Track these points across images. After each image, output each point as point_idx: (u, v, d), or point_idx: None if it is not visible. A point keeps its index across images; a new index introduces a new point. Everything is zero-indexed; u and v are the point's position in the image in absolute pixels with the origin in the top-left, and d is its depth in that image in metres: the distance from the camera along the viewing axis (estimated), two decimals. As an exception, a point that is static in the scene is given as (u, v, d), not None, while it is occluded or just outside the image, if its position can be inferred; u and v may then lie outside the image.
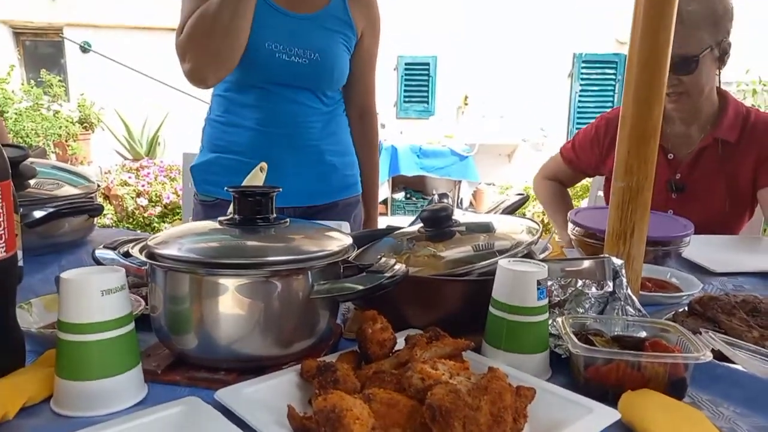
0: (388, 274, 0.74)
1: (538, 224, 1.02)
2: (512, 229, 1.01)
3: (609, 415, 0.64)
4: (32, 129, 5.94)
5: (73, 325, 0.66)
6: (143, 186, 5.06)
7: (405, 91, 8.11)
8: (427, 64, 8.02)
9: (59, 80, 7.02)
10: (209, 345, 0.73)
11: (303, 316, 0.76)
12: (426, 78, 8.08)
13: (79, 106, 7.02)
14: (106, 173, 5.45)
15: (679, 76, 1.49)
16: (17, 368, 0.72)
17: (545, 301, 0.77)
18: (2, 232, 0.68)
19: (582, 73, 8.04)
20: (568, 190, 1.99)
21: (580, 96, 8.12)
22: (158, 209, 5.00)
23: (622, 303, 0.86)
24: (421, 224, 1.03)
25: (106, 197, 4.96)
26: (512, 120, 8.03)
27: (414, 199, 7.51)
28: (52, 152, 6.21)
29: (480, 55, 7.87)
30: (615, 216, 0.91)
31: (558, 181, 1.93)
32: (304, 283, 0.74)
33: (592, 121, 1.84)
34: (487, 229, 1.02)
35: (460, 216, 1.06)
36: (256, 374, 0.73)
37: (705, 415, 0.68)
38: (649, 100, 0.86)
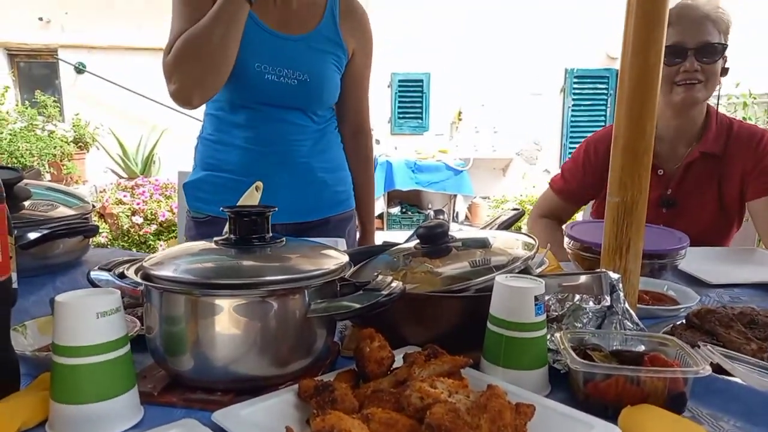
0: (385, 292, 0.74)
1: (534, 239, 1.02)
2: (508, 244, 1.01)
3: (609, 430, 0.63)
4: (27, 149, 5.93)
5: (67, 348, 0.65)
6: (138, 204, 5.04)
7: (399, 107, 8.16)
8: (421, 80, 8.09)
9: (54, 101, 7.04)
10: (206, 366, 0.73)
11: (300, 336, 0.75)
12: (420, 94, 8.14)
13: (73, 125, 7.03)
14: (101, 192, 5.43)
15: (702, 62, 1.51)
16: (12, 392, 0.71)
17: (543, 317, 0.77)
18: (-3, 255, 0.67)
19: (574, 88, 8.12)
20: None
21: (573, 110, 8.19)
22: (154, 227, 4.98)
23: (620, 317, 0.86)
24: (418, 240, 1.03)
25: (101, 216, 4.94)
26: (506, 134, 8.09)
27: (410, 213, 7.52)
28: (47, 172, 6.20)
29: (473, 70, 7.94)
30: (610, 231, 0.92)
31: (553, 217, 1.87)
32: (301, 303, 0.74)
33: (578, 146, 1.86)
34: (483, 244, 1.02)
35: (456, 232, 1.06)
36: (253, 394, 0.72)
37: (705, 429, 0.68)
38: (642, 117, 0.87)
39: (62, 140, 6.57)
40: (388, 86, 8.09)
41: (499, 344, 0.77)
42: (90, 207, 1.36)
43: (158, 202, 5.08)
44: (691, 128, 1.66)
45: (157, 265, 0.75)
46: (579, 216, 2.28)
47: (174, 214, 4.80)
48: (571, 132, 8.11)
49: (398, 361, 0.76)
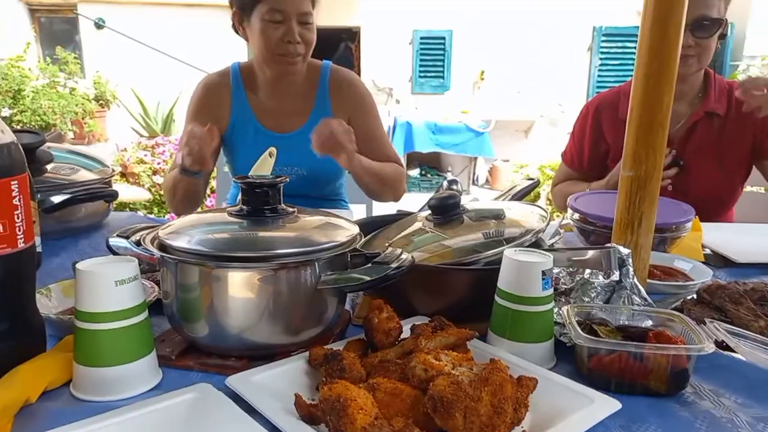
0: (394, 265, 0.75)
1: (546, 211, 1.02)
2: (522, 216, 1.01)
3: (610, 405, 0.65)
4: (49, 107, 5.99)
5: (88, 314, 0.68)
6: (159, 164, 5.10)
7: (420, 65, 8.01)
8: (443, 38, 7.90)
9: (75, 57, 7.05)
10: (219, 333, 0.75)
11: (311, 306, 0.77)
12: (441, 52, 7.97)
13: (94, 83, 7.06)
14: (122, 151, 5.50)
15: (698, 37, 1.48)
16: (38, 353, 0.75)
17: (550, 291, 0.78)
18: (21, 223, 0.70)
19: (602, 47, 7.86)
20: None
21: (599, 70, 7.96)
22: (174, 187, 5.04)
23: (628, 292, 0.86)
24: (430, 211, 1.03)
25: (123, 175, 5.01)
26: (529, 95, 7.91)
27: (429, 176, 7.48)
28: (70, 130, 6.27)
29: (496, 28, 7.73)
30: (622, 205, 0.91)
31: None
32: (312, 275, 0.75)
33: (580, 112, 1.83)
34: (497, 216, 1.02)
35: (469, 203, 1.06)
36: (266, 361, 0.75)
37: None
38: (659, 90, 0.85)
39: (84, 98, 6.62)
40: (410, 43, 7.94)
41: (506, 317, 0.78)
42: (110, 171, 1.39)
43: (173, 160, 5.12)
44: (690, 91, 1.65)
45: (172, 234, 0.77)
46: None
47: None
48: (598, 92, 7.91)
49: (406, 332, 0.78)
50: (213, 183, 2.52)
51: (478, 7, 7.65)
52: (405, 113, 7.22)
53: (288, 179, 0.84)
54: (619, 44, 7.84)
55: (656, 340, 0.74)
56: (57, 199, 1.18)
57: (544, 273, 0.77)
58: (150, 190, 4.91)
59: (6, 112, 5.49)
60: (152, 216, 2.55)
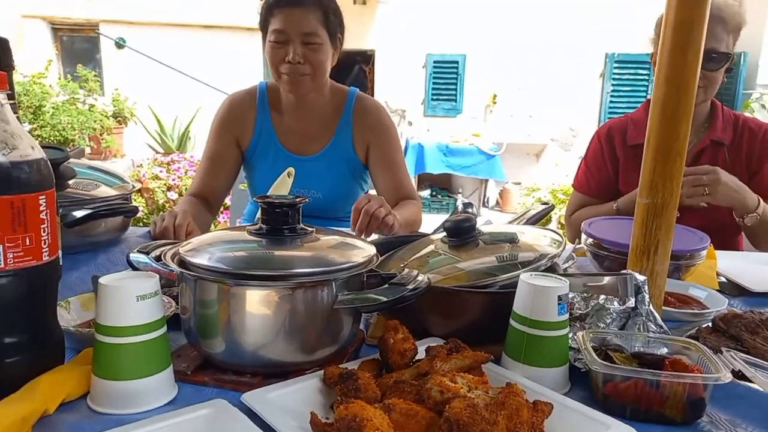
0: (410, 287, 0.76)
1: (561, 236, 1.02)
2: (536, 240, 1.02)
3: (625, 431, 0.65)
4: (68, 123, 6.10)
5: (109, 327, 0.69)
6: (174, 180, 5.16)
7: (433, 88, 8.09)
8: (456, 62, 7.98)
9: (94, 75, 7.19)
10: (236, 350, 0.76)
11: (327, 325, 0.78)
12: (455, 76, 8.05)
13: (113, 100, 7.18)
14: (138, 167, 5.57)
15: (705, 69, 1.50)
16: (57, 365, 0.76)
17: (566, 316, 0.78)
18: (46, 237, 0.72)
19: (614, 73, 7.91)
20: None
21: (611, 96, 7.99)
22: (188, 203, 5.09)
23: (644, 319, 0.86)
24: (444, 233, 1.04)
25: (138, 191, 5.08)
26: (541, 119, 7.94)
27: (440, 197, 7.50)
28: (87, 145, 6.37)
29: (509, 53, 7.80)
30: (639, 232, 0.91)
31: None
32: (329, 294, 0.76)
33: (591, 139, 1.85)
34: (511, 239, 1.03)
35: (483, 226, 1.07)
36: (281, 378, 0.75)
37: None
38: (676, 119, 0.86)
39: (102, 114, 6.73)
40: (423, 67, 8.02)
41: (521, 341, 0.78)
42: (130, 187, 1.42)
43: (192, 179, 5.19)
44: (697, 118, 1.67)
45: (192, 251, 0.79)
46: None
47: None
48: (609, 117, 7.91)
49: (421, 353, 0.78)
50: (227, 200, 2.55)
51: (492, 32, 7.74)
52: (417, 135, 7.28)
53: (307, 199, 0.86)
54: (631, 71, 7.88)
55: (672, 368, 0.73)
56: (79, 214, 1.20)
57: (560, 298, 0.77)
58: (164, 206, 4.97)
59: (27, 127, 5.60)
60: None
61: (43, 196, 0.71)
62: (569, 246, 1.09)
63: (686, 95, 0.87)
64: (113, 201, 1.32)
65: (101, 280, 0.71)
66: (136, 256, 0.86)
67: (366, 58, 8.41)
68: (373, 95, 5.20)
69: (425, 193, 7.45)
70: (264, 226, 0.82)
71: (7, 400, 0.68)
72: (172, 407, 0.71)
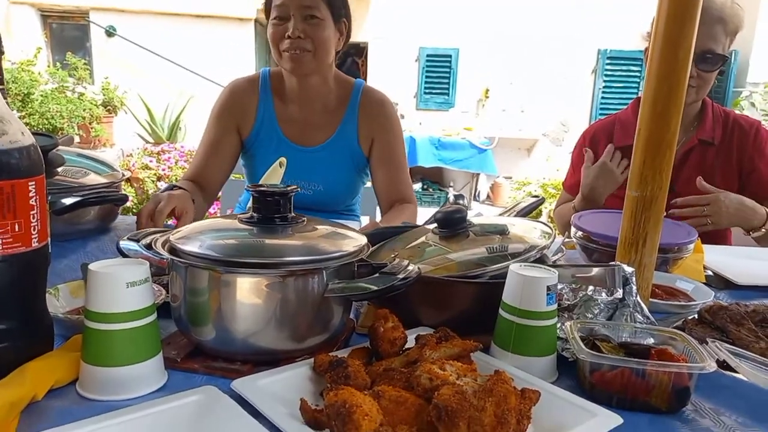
0: (401, 276, 0.76)
1: (551, 228, 1.03)
2: (526, 232, 1.02)
3: (611, 419, 0.66)
4: (57, 111, 6.04)
5: (99, 314, 0.69)
6: (164, 170, 5.13)
7: (426, 82, 8.09)
8: (449, 56, 7.98)
9: (84, 63, 7.13)
10: (226, 338, 0.76)
11: (317, 313, 0.78)
12: (447, 70, 8.05)
13: (102, 89, 7.12)
14: (128, 156, 5.53)
15: (701, 70, 1.51)
16: (46, 351, 0.76)
17: (554, 306, 0.79)
18: (36, 223, 0.71)
19: (606, 70, 7.94)
20: None
21: (603, 92, 8.03)
22: (178, 194, 5.07)
23: (631, 310, 0.87)
24: (436, 224, 1.04)
25: (128, 180, 5.04)
26: (533, 114, 7.98)
27: (431, 190, 7.52)
28: (76, 134, 6.32)
29: (503, 48, 7.81)
30: (627, 225, 0.92)
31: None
32: (319, 283, 0.76)
33: (578, 140, 1.86)
34: (501, 231, 1.03)
35: (474, 217, 1.07)
36: (271, 366, 0.76)
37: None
38: (667, 113, 0.87)
39: (92, 103, 6.67)
40: (416, 60, 8.01)
41: (510, 331, 0.79)
42: (120, 175, 1.41)
43: (183, 169, 5.16)
44: (687, 117, 1.68)
45: (182, 239, 0.79)
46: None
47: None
48: (601, 114, 7.96)
49: (410, 342, 0.79)
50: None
51: (485, 26, 7.74)
52: (409, 128, 7.28)
53: (299, 189, 0.86)
54: (623, 67, 7.92)
55: (659, 357, 0.74)
56: (68, 201, 1.19)
57: (549, 288, 0.78)
58: (154, 197, 4.93)
59: (15, 115, 5.54)
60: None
61: (33, 183, 0.70)
62: (558, 239, 1.10)
63: (677, 89, 0.88)
64: (102, 189, 1.31)
65: (91, 266, 0.70)
66: (126, 244, 0.86)
67: (359, 50, 8.38)
68: (365, 87, 5.19)
69: (416, 186, 7.47)
70: (255, 214, 0.82)
71: (-5, 386, 0.67)
72: (161, 394, 0.71)
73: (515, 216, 1.20)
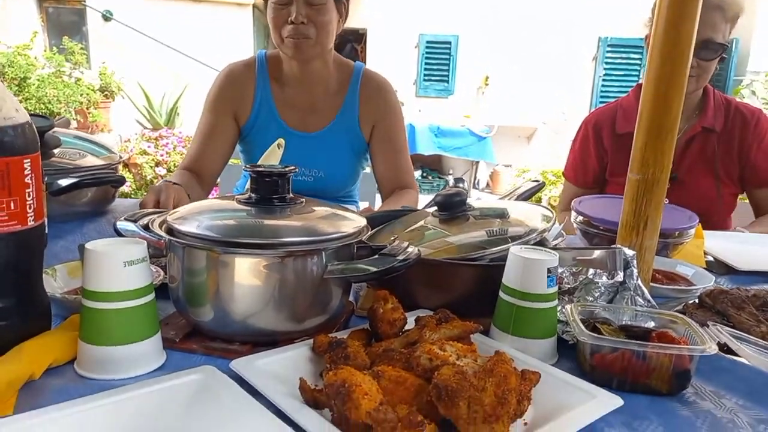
0: (400, 257, 0.76)
1: (551, 211, 1.02)
2: (526, 215, 1.01)
3: (612, 401, 0.65)
4: (54, 96, 5.99)
5: (96, 293, 0.68)
6: (162, 155, 5.11)
7: (425, 69, 8.04)
8: (449, 42, 7.93)
9: (81, 48, 7.05)
10: (224, 319, 0.76)
11: (316, 295, 0.78)
12: (447, 57, 8.00)
13: (100, 74, 7.06)
14: (125, 142, 5.51)
15: (699, 58, 1.50)
16: (44, 331, 0.75)
17: (555, 289, 0.79)
18: (32, 201, 0.70)
19: (607, 57, 7.91)
20: None
21: (603, 80, 8.00)
22: (176, 180, 5.05)
23: (632, 293, 0.87)
24: (436, 207, 1.04)
25: (126, 165, 5.02)
26: (533, 102, 7.94)
27: (430, 178, 7.51)
28: (73, 119, 6.27)
29: (503, 35, 7.76)
30: (629, 208, 0.92)
31: None
32: (318, 264, 0.76)
33: (579, 129, 1.85)
34: (501, 214, 1.03)
35: (474, 201, 1.06)
36: (269, 347, 0.75)
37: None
38: (669, 95, 0.86)
39: (89, 88, 6.61)
40: (415, 47, 7.96)
41: (510, 313, 0.79)
42: (117, 158, 1.40)
43: (181, 154, 5.14)
44: (688, 105, 1.67)
45: (180, 219, 0.78)
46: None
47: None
48: (601, 101, 7.93)
49: (410, 324, 0.78)
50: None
51: (485, 13, 7.69)
52: (408, 116, 7.23)
53: (296, 169, 0.84)
54: (624, 55, 7.88)
55: (659, 340, 0.74)
56: (64, 182, 1.19)
57: (549, 270, 0.77)
58: (152, 181, 4.92)
59: (10, 93, 5.51)
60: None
61: (28, 160, 0.69)
62: (557, 226, 1.10)
63: (679, 70, 0.86)
64: (99, 170, 1.30)
65: (87, 245, 0.70)
66: (123, 225, 0.85)
67: (358, 37, 8.32)
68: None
69: (416, 174, 7.43)
70: (253, 195, 0.81)
71: (-8, 364, 0.67)
72: (160, 373, 0.71)
73: (515, 200, 1.19)
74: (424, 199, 1.34)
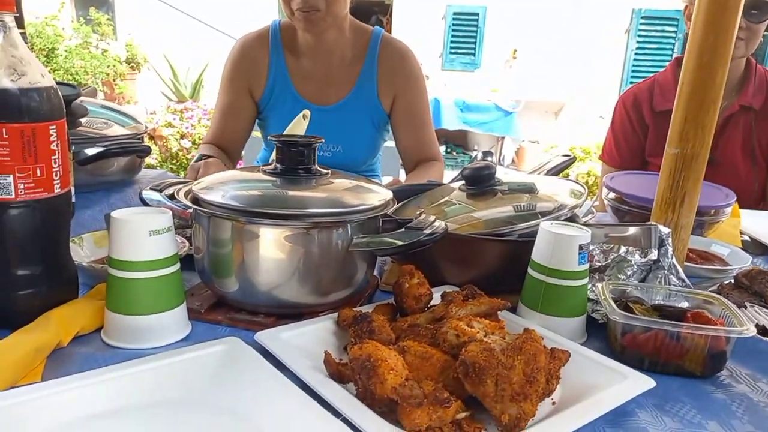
0: (427, 231, 0.74)
1: (583, 187, 0.99)
2: (556, 191, 0.99)
3: (644, 382, 0.63)
4: (81, 67, 6.06)
5: (122, 262, 0.68)
6: (187, 128, 5.13)
7: (452, 42, 7.89)
8: (476, 14, 7.76)
9: (107, 19, 7.09)
10: (249, 290, 0.75)
11: (341, 268, 0.77)
12: (474, 29, 7.83)
13: (126, 45, 7.10)
14: (151, 114, 5.54)
15: (750, 20, 1.43)
16: (71, 299, 0.76)
17: (586, 266, 0.76)
18: (57, 169, 0.70)
19: (640, 30, 7.64)
20: None
21: (636, 54, 7.75)
22: (201, 152, 5.08)
23: (666, 272, 0.84)
24: (463, 181, 1.01)
25: (152, 137, 5.06)
26: (561, 77, 7.75)
27: (455, 153, 7.43)
28: (101, 90, 6.34)
29: (532, 6, 7.55)
30: (665, 184, 0.88)
31: None
32: (344, 236, 0.75)
33: (615, 108, 1.78)
34: (530, 189, 1.00)
35: (503, 175, 1.04)
36: (294, 319, 0.75)
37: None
38: (712, 65, 0.81)
39: (115, 59, 6.67)
40: (442, 18, 7.81)
41: (539, 290, 0.77)
42: (143, 128, 1.40)
43: (206, 127, 5.16)
44: (730, 79, 1.58)
45: (205, 189, 0.77)
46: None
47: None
48: (633, 77, 7.70)
49: (436, 299, 0.77)
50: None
51: (515, -17, 7.48)
52: (434, 90, 7.14)
53: (323, 140, 0.83)
54: (658, 28, 7.61)
55: (694, 320, 0.72)
56: (91, 151, 1.19)
57: (581, 247, 0.75)
58: (178, 154, 4.96)
59: (35, 58, 5.59)
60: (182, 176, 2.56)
61: (54, 126, 0.69)
62: (588, 202, 1.07)
63: (724, 40, 0.82)
64: (126, 140, 1.30)
65: (113, 214, 0.69)
66: (148, 194, 0.84)
67: (383, 8, 8.18)
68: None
69: (440, 149, 7.37)
70: (279, 165, 0.80)
71: (21, 331, 0.68)
72: (185, 344, 0.71)
73: (545, 174, 1.16)
74: (448, 175, 1.31)
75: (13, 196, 0.67)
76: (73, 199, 0.98)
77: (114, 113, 1.40)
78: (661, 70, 1.75)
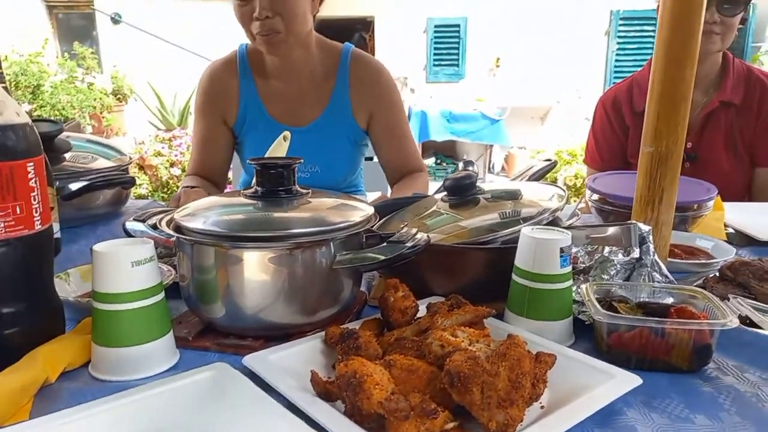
0: (409, 244, 0.74)
1: (563, 190, 1.00)
2: (539, 195, 0.99)
3: (631, 380, 0.64)
4: (68, 102, 6.07)
5: (105, 294, 0.69)
6: (176, 156, 5.14)
7: (435, 54, 7.96)
8: (458, 25, 7.83)
9: (92, 52, 7.13)
10: (236, 314, 0.75)
11: (326, 286, 0.77)
12: (456, 40, 7.90)
13: (112, 77, 7.13)
14: (140, 144, 5.55)
15: (723, 14, 1.44)
16: (57, 335, 0.76)
17: (568, 269, 0.77)
18: (37, 205, 0.70)
19: (619, 31, 7.73)
20: None
21: (617, 54, 7.84)
22: (191, 179, 5.08)
23: (649, 269, 0.85)
24: (445, 192, 1.02)
25: (141, 167, 5.06)
26: (545, 81, 7.82)
27: (444, 164, 7.45)
28: (88, 124, 6.35)
29: (512, 14, 7.64)
30: (643, 182, 0.89)
31: None
32: (327, 254, 0.75)
33: (594, 110, 1.79)
34: (512, 196, 1.01)
35: (485, 183, 1.05)
36: (283, 341, 0.75)
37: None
38: (681, 62, 0.83)
39: (102, 92, 6.69)
40: (424, 32, 7.88)
41: (524, 295, 0.77)
42: (128, 159, 1.40)
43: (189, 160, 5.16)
44: (707, 75, 1.61)
45: (187, 216, 0.77)
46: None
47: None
48: (615, 77, 7.77)
49: (422, 311, 0.77)
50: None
51: (493, -8, 7.57)
52: (420, 102, 7.19)
53: (302, 160, 0.84)
54: (637, 28, 7.70)
55: (678, 315, 0.72)
56: (75, 186, 1.19)
57: (562, 250, 0.75)
58: (168, 182, 4.96)
59: (26, 107, 5.58)
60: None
61: (31, 163, 0.69)
62: (572, 204, 1.08)
63: (691, 37, 0.84)
64: (110, 172, 1.30)
65: (95, 247, 0.70)
66: (132, 225, 0.85)
67: (365, 24, 8.26)
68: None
69: (430, 161, 7.41)
70: (259, 188, 0.81)
71: (7, 371, 0.67)
72: (173, 372, 0.71)
73: (527, 180, 1.17)
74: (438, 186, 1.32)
75: (-6, 236, 0.67)
76: (58, 235, 0.98)
77: (98, 146, 1.41)
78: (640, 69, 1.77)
